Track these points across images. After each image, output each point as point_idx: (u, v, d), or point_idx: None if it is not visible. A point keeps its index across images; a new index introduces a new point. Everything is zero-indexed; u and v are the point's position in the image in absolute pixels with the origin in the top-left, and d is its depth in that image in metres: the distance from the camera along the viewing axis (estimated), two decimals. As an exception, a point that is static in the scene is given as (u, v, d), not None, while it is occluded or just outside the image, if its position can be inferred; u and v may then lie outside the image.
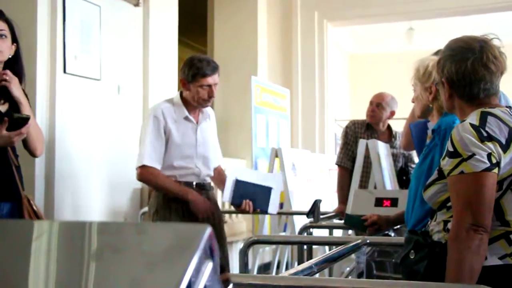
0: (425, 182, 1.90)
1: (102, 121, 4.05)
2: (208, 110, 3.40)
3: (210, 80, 3.18)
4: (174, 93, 4.88)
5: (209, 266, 0.60)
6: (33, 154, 2.76)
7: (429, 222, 1.94)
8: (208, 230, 0.61)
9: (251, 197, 3.28)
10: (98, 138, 4.00)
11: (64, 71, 3.69)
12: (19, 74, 2.71)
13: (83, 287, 0.59)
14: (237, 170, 3.38)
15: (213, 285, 0.62)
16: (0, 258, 0.64)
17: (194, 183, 3.27)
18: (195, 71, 3.17)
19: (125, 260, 0.60)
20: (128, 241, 0.62)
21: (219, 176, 3.47)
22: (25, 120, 2.55)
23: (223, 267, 3.28)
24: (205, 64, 3.18)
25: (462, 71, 1.81)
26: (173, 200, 3.18)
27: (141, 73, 4.52)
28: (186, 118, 3.27)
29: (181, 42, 6.98)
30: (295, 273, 1.42)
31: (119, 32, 4.27)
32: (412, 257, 1.94)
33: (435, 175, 1.84)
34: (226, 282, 0.69)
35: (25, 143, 2.69)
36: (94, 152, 3.97)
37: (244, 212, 3.34)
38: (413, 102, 2.45)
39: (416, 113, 2.46)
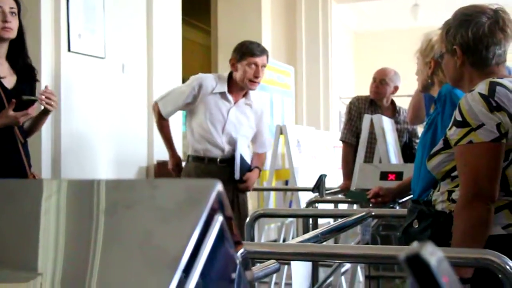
0: (429, 151, 1.90)
1: (107, 100, 4.06)
2: (256, 103, 3.50)
3: (258, 60, 3.33)
4: (179, 72, 4.93)
5: (219, 221, 0.62)
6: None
7: (431, 192, 1.95)
8: (218, 185, 0.62)
9: (243, 173, 3.38)
10: (103, 117, 4.01)
11: (69, 50, 3.70)
12: (22, 51, 2.74)
13: (94, 241, 0.60)
14: (242, 143, 3.41)
15: (224, 239, 0.64)
16: (14, 216, 0.66)
17: (218, 159, 3.36)
18: (245, 51, 3.34)
19: (135, 215, 0.61)
20: (138, 196, 0.64)
21: (256, 159, 3.60)
22: (32, 102, 2.61)
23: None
24: (255, 45, 3.38)
25: (480, 35, 1.80)
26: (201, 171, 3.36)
27: (146, 52, 4.52)
28: (223, 94, 3.36)
29: (185, 21, 6.95)
30: (302, 242, 1.43)
31: (123, 10, 4.26)
32: (415, 227, 1.95)
33: (440, 144, 1.84)
34: (237, 244, 0.70)
35: (29, 130, 2.79)
36: (100, 131, 3.99)
37: (245, 188, 3.41)
38: (417, 75, 2.45)
39: (418, 88, 2.45)
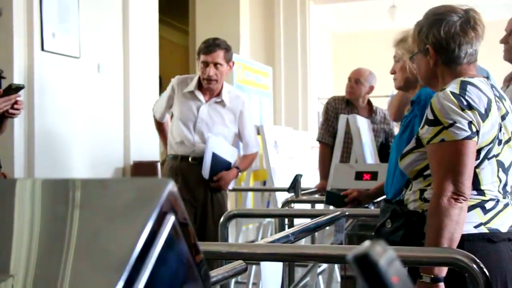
0: None
1: (83, 100, 4.01)
2: (232, 103, 3.46)
3: (207, 58, 3.34)
4: (156, 72, 4.89)
5: (171, 220, 0.60)
6: None
7: (403, 192, 1.95)
8: (170, 184, 0.60)
9: (218, 171, 3.36)
10: (78, 117, 3.97)
11: (42, 49, 3.64)
12: None
13: (42, 242, 0.58)
14: (215, 142, 3.39)
15: (176, 241, 0.62)
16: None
17: (190, 157, 3.37)
18: (198, 50, 3.40)
19: (84, 215, 0.60)
20: (90, 196, 0.62)
21: (242, 159, 3.60)
22: (20, 89, 2.60)
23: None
24: (206, 43, 3.37)
25: (452, 33, 1.81)
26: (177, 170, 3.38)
27: (122, 52, 4.47)
28: (192, 93, 3.40)
29: (163, 21, 6.91)
30: (272, 242, 1.42)
31: (98, 9, 4.22)
32: (388, 227, 1.95)
33: (412, 143, 1.84)
34: (195, 247, 0.69)
35: None
36: (75, 132, 3.94)
37: (218, 187, 3.39)
38: (392, 73, 2.44)
39: (398, 84, 2.43)
